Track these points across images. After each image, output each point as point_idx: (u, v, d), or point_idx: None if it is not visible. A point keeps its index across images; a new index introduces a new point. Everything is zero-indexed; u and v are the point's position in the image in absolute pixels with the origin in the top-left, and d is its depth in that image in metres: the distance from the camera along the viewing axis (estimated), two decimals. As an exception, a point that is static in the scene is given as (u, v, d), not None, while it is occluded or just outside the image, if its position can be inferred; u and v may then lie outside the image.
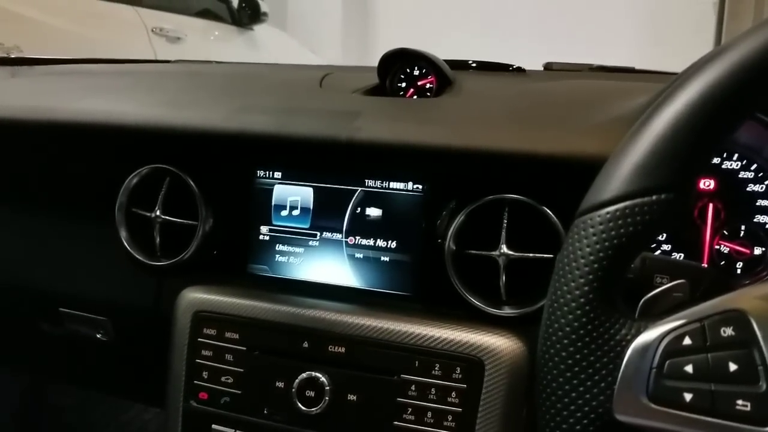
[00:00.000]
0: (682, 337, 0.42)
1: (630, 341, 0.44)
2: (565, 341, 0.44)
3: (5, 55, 1.48)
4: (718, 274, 0.70)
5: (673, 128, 0.44)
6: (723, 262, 0.74)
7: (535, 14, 4.60)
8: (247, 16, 3.63)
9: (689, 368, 0.42)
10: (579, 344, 0.44)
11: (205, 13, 3.55)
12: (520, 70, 1.05)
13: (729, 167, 0.74)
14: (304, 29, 5.07)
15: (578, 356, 0.44)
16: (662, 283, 0.51)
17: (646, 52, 4.02)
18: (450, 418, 0.70)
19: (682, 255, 0.75)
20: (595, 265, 0.44)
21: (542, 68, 1.11)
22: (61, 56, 1.32)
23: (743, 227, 0.73)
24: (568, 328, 0.44)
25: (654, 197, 0.44)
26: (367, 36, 5.40)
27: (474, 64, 1.06)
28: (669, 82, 0.54)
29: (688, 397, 0.41)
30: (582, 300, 0.44)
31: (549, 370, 0.45)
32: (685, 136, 0.44)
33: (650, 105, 0.50)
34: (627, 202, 0.44)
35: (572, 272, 0.45)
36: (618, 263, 0.45)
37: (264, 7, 3.69)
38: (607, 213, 0.45)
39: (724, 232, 0.74)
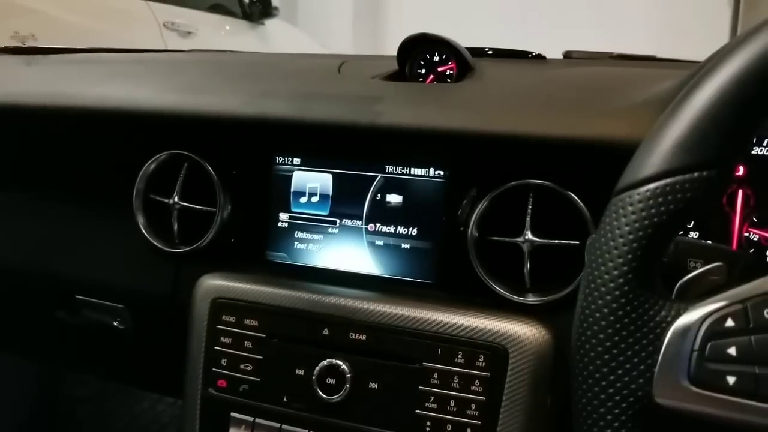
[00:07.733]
0: (724, 318, 0.41)
1: (670, 323, 0.42)
2: (603, 323, 0.43)
3: (20, 44, 1.48)
4: (753, 259, 0.69)
5: (716, 103, 0.43)
6: (752, 250, 0.72)
7: (549, 5, 4.57)
8: (258, 10, 3.65)
9: (732, 351, 0.40)
10: (617, 326, 0.43)
11: (217, 8, 3.58)
12: (540, 57, 1.03)
13: (759, 153, 0.72)
14: (314, 24, 5.07)
15: (617, 338, 0.43)
16: (696, 268, 0.50)
17: (661, 44, 3.99)
18: (473, 406, 0.69)
19: (711, 242, 0.73)
20: (634, 245, 0.43)
21: (562, 57, 1.09)
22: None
23: None
24: (605, 310, 0.43)
25: (696, 174, 0.42)
26: (378, 31, 5.39)
27: (491, 52, 1.04)
28: (707, 60, 0.53)
29: (731, 380, 0.40)
30: (621, 280, 0.43)
31: (586, 352, 0.44)
32: (728, 111, 0.43)
33: (683, 86, 0.49)
34: (668, 180, 0.43)
35: (610, 252, 0.44)
36: (658, 242, 0.43)
37: (275, 1, 3.69)
38: (647, 191, 0.43)
39: (754, 219, 0.72)
